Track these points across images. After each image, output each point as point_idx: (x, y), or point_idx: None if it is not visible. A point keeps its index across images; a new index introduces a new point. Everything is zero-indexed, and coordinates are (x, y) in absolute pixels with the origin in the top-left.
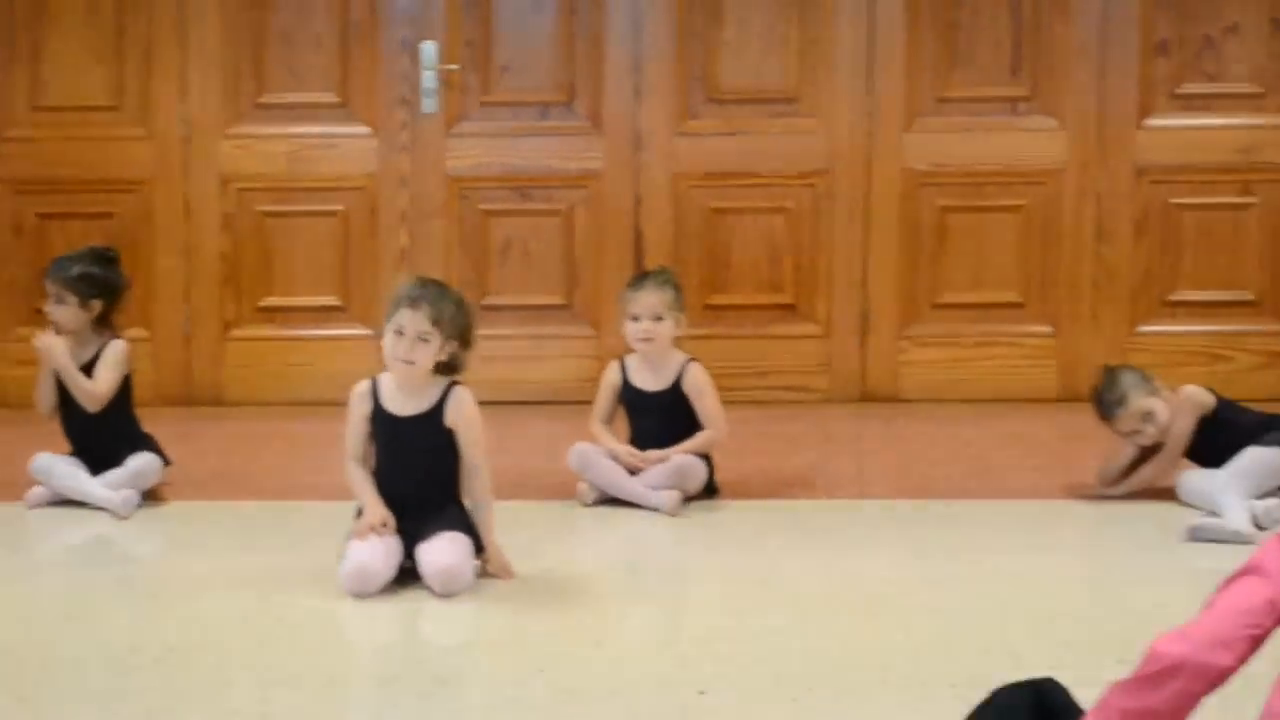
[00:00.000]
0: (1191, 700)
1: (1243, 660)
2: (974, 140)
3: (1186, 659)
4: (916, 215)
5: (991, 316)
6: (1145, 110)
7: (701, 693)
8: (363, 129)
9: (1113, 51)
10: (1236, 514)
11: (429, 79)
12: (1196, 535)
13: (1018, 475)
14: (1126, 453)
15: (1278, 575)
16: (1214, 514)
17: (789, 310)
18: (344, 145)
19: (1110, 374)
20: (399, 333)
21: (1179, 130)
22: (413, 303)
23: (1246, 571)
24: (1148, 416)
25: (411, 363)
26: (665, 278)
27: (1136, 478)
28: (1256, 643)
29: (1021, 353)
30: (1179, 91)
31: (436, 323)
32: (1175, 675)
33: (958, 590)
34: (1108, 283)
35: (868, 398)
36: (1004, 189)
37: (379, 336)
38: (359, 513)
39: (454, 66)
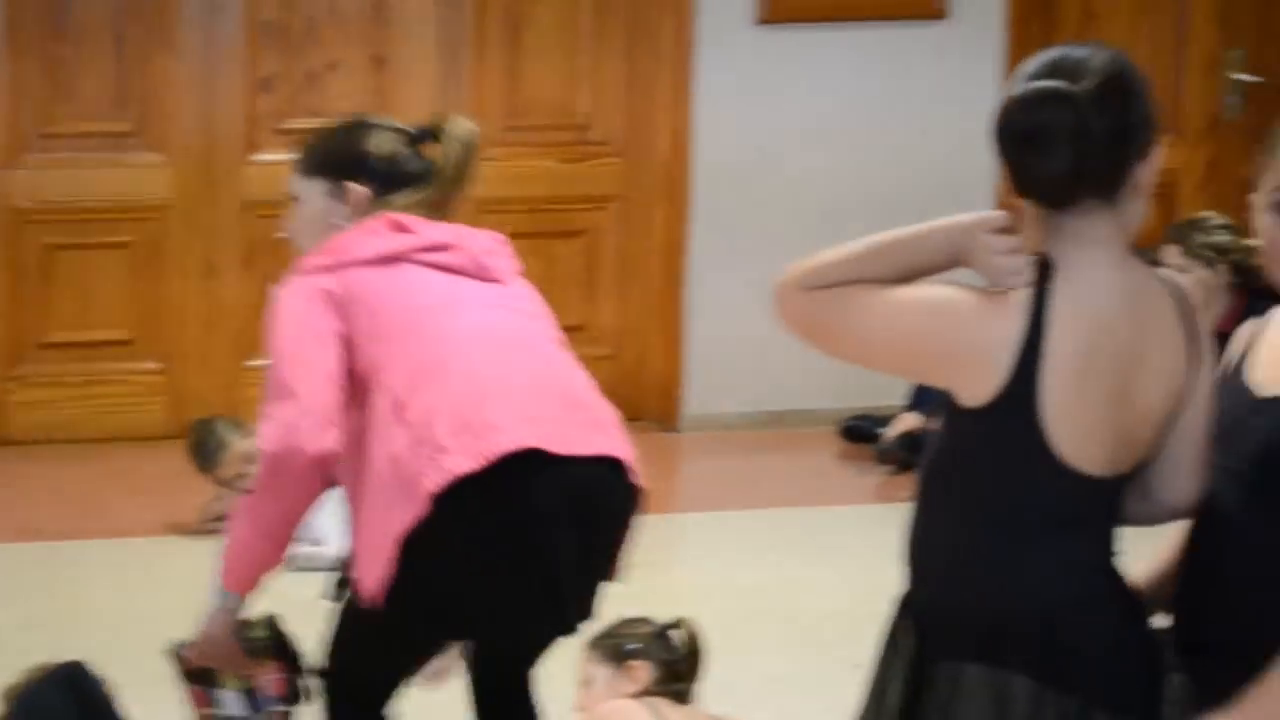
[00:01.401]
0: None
1: None
2: (79, 177)
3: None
4: (21, 254)
5: (100, 355)
6: (252, 146)
7: None
8: None
9: (218, 87)
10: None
11: None
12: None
13: (126, 513)
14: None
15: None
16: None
17: None
18: None
19: (203, 425)
20: None
21: (284, 165)
22: None
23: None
24: (249, 458)
25: None
26: None
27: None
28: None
29: (130, 390)
30: (283, 127)
31: None
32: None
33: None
34: (218, 318)
35: None
36: (111, 225)
37: None
38: None
39: None
